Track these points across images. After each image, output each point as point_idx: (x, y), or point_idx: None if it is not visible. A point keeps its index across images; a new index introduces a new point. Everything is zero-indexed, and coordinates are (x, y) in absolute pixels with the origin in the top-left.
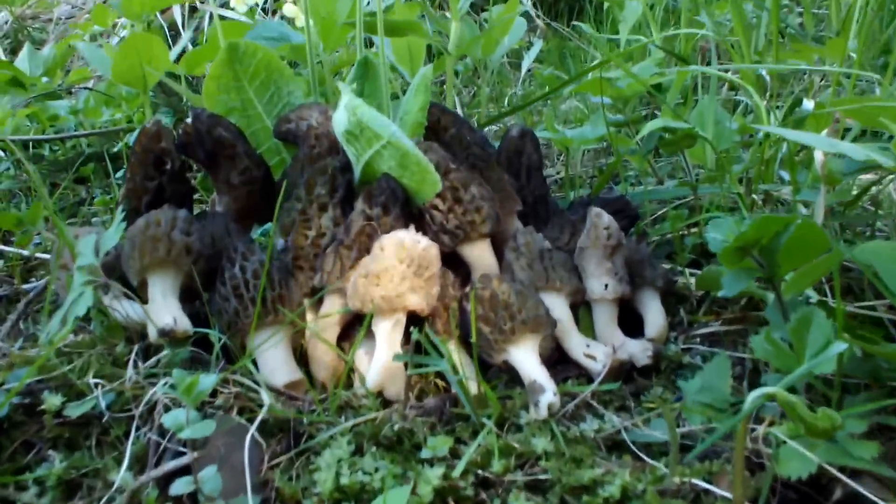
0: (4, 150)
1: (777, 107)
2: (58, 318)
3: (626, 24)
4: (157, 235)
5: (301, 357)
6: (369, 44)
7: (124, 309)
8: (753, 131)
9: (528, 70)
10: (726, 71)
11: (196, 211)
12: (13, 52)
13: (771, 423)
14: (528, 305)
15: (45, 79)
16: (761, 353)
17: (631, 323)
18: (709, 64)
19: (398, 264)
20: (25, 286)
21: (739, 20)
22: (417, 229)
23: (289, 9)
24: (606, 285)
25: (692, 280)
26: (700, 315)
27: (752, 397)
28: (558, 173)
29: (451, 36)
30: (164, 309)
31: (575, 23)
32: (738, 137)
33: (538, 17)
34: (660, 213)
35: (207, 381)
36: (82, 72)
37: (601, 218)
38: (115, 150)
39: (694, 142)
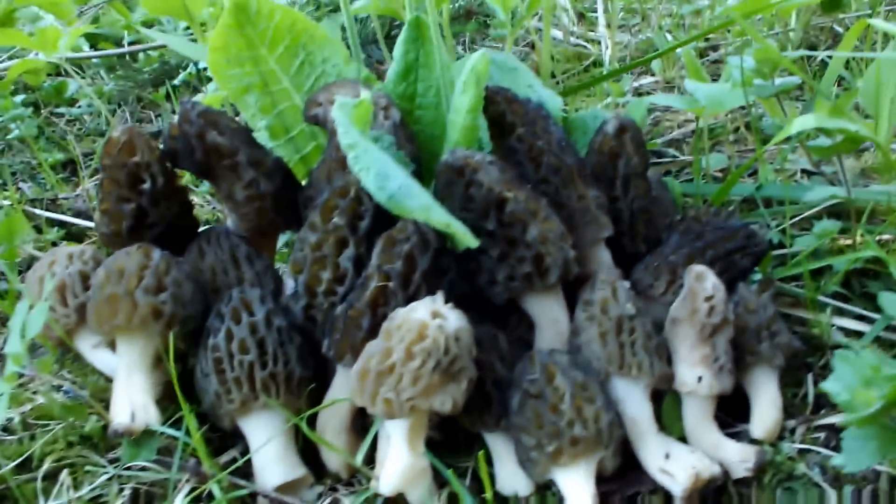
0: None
1: None
2: None
3: None
4: (117, 295)
5: None
6: None
7: (101, 364)
8: None
9: None
10: None
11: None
12: None
13: None
14: (586, 415)
15: None
16: None
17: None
18: None
19: (410, 360)
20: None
21: None
22: (463, 276)
23: None
24: (700, 378)
25: (836, 325)
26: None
27: None
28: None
29: None
30: (124, 394)
31: None
32: None
33: None
34: (806, 214)
35: None
36: None
37: (703, 284)
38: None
39: (857, 145)
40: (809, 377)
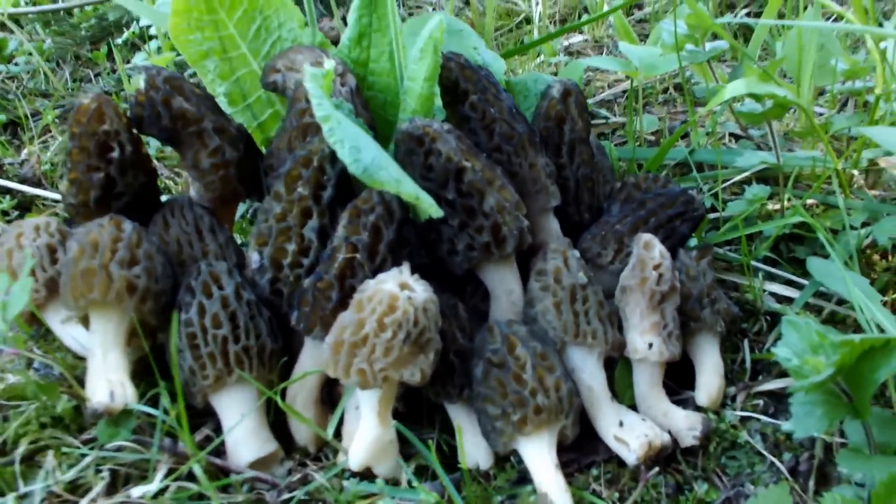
0: (20, 24)
1: None
2: None
3: None
4: (92, 268)
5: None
6: None
7: (71, 340)
8: (863, 74)
9: None
10: None
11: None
12: None
13: None
14: (548, 384)
15: None
16: None
17: (681, 364)
18: None
19: (382, 331)
20: None
21: None
22: (424, 246)
23: None
24: (651, 344)
25: (766, 290)
26: (770, 346)
27: None
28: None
29: None
30: (101, 372)
31: None
32: (841, 84)
33: None
34: (737, 178)
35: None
36: None
37: (651, 252)
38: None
39: (785, 110)
40: (745, 343)
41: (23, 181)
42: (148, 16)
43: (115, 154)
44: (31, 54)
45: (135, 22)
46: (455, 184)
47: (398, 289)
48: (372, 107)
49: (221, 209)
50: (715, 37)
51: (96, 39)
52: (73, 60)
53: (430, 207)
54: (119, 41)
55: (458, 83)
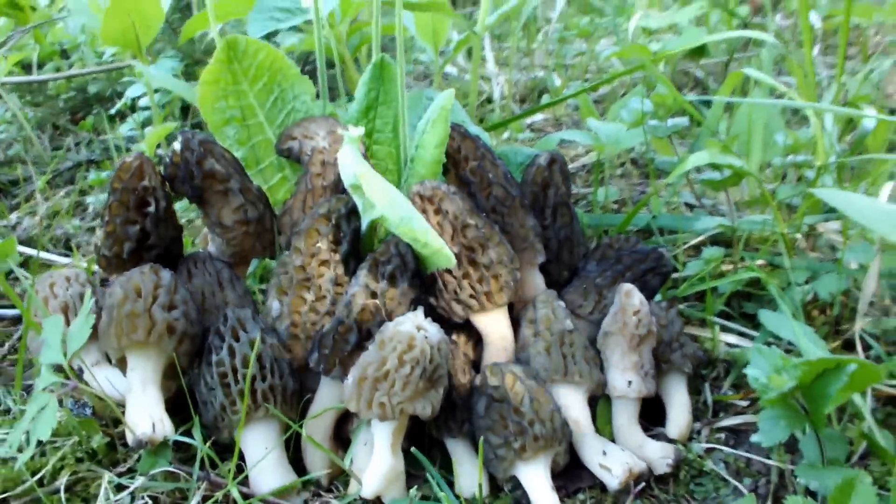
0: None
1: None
2: (18, 434)
3: None
4: (136, 312)
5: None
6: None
7: (102, 383)
8: (805, 148)
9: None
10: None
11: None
12: None
13: None
14: (543, 415)
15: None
16: None
17: (652, 405)
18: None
19: (401, 367)
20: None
21: None
22: (427, 294)
23: None
24: (630, 382)
25: (722, 341)
26: (727, 389)
27: None
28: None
29: (480, 15)
30: (142, 406)
31: None
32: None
33: None
34: (695, 241)
35: None
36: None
37: (631, 299)
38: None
39: (740, 180)
40: (706, 386)
41: (21, 244)
42: (181, 90)
43: (152, 209)
44: (10, 123)
45: (124, 94)
46: (460, 238)
47: (415, 329)
48: None
49: (238, 264)
50: (676, 114)
51: (76, 110)
52: (51, 129)
53: (447, 257)
54: (113, 111)
55: (459, 150)
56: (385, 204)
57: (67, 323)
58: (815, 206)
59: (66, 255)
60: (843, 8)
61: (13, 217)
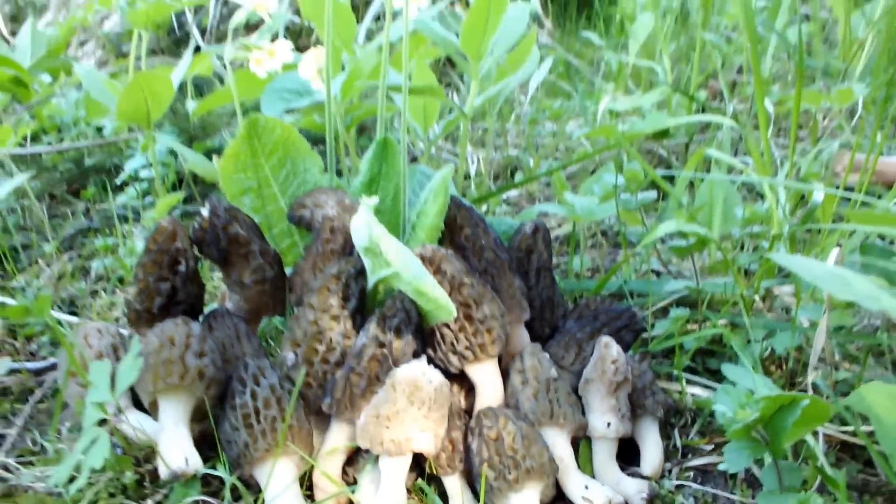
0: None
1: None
2: (67, 467)
3: (637, 42)
4: (171, 358)
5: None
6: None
7: (134, 424)
8: (761, 220)
9: (536, 88)
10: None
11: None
12: (13, 18)
13: None
14: (533, 451)
15: (46, 77)
16: None
17: (627, 447)
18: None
19: (410, 406)
20: (30, 365)
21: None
22: (427, 346)
23: (305, 70)
24: (609, 423)
25: (689, 392)
26: (694, 435)
27: None
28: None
29: (468, 99)
30: (175, 443)
31: (584, 33)
32: (741, 229)
33: (546, 16)
34: (663, 303)
35: None
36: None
37: (609, 350)
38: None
39: (705, 246)
40: (675, 432)
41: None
42: (196, 162)
43: (182, 268)
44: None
45: (121, 166)
46: (457, 295)
47: (421, 374)
48: None
49: (251, 320)
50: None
51: (73, 181)
52: (48, 199)
53: (449, 310)
54: (118, 181)
55: (456, 219)
56: (400, 263)
57: None
58: (771, 272)
59: (74, 315)
60: (793, 95)
61: (22, 280)
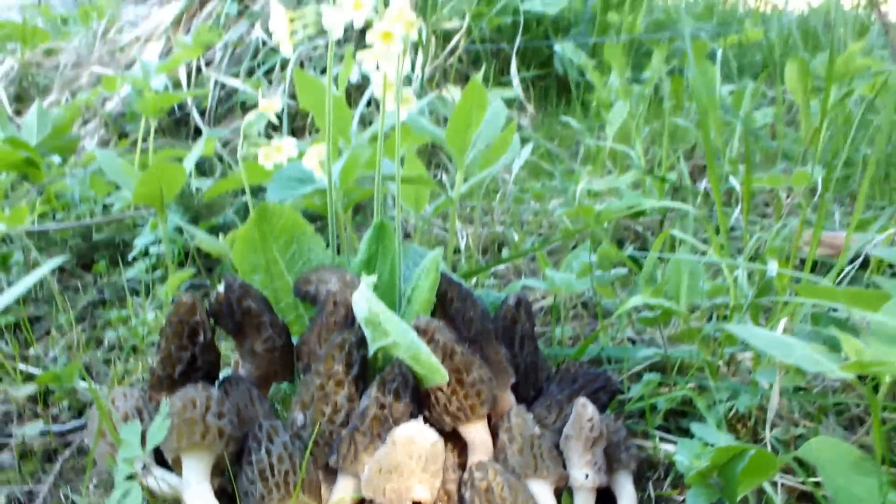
0: (11, 237)
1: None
2: None
3: (613, 126)
4: (194, 418)
5: None
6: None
7: (158, 479)
8: (724, 292)
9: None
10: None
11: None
12: (18, 98)
13: None
14: (520, 500)
15: (56, 158)
16: None
17: (605, 498)
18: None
19: (409, 460)
20: (56, 428)
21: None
22: (423, 408)
23: (309, 162)
24: (587, 475)
25: (662, 448)
26: (667, 486)
27: None
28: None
29: (455, 186)
30: (199, 496)
31: (563, 117)
32: (706, 301)
33: (528, 101)
34: (637, 368)
35: None
36: (91, 155)
37: (586, 409)
38: (125, 238)
39: (671, 316)
40: (650, 483)
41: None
42: (207, 241)
43: (201, 338)
44: (22, 265)
45: (129, 241)
46: (449, 361)
47: (417, 433)
48: None
49: (262, 386)
50: (618, 265)
51: (82, 256)
52: (58, 272)
53: (441, 375)
54: (130, 257)
55: (446, 293)
56: (397, 333)
57: None
58: (733, 339)
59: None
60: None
61: (40, 348)
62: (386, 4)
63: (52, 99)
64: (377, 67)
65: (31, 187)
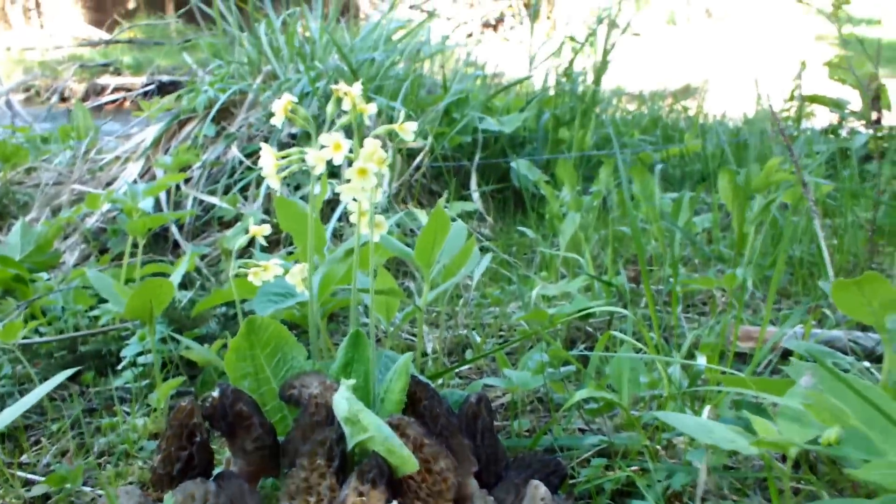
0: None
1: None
2: None
3: (565, 237)
4: None
5: None
6: None
7: None
8: (659, 385)
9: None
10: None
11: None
12: None
13: None
14: None
15: (46, 276)
16: None
17: None
18: (638, 283)
19: None
20: None
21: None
22: (397, 494)
23: (292, 279)
24: None
25: None
26: None
27: None
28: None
29: (422, 296)
30: None
31: (520, 228)
32: (645, 392)
33: (488, 213)
34: (586, 454)
35: None
36: (80, 272)
37: (538, 490)
38: (111, 348)
39: (613, 407)
40: None
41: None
42: (197, 352)
43: (198, 439)
44: (10, 378)
45: (115, 352)
46: (419, 453)
47: None
48: None
49: (251, 481)
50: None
51: (67, 366)
52: (41, 381)
53: (413, 464)
54: (119, 367)
55: (416, 393)
56: (374, 429)
57: None
58: (669, 425)
59: (85, 485)
60: (697, 277)
61: (32, 455)
62: (360, 144)
63: (32, 216)
64: (353, 199)
65: (18, 303)
